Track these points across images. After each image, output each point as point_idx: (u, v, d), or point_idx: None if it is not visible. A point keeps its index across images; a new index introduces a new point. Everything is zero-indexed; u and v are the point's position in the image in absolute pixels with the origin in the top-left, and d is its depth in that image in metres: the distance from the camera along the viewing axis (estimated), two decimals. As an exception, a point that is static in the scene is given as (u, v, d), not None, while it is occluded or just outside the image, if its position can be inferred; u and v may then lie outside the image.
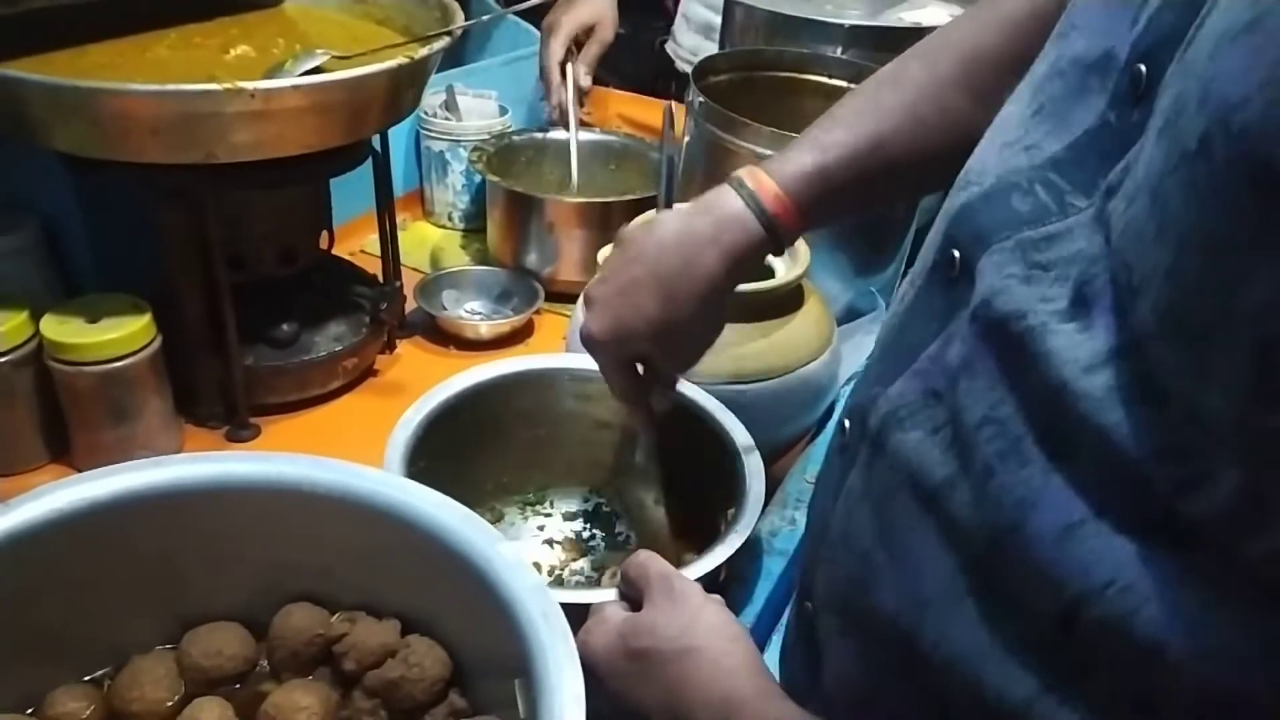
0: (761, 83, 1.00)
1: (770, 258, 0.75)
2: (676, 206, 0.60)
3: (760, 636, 0.60)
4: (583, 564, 0.71)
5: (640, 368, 0.61)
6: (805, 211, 0.54)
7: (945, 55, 0.54)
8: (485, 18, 0.98)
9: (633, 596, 0.51)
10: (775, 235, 0.55)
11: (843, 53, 1.02)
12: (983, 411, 0.34)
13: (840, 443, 0.46)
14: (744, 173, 0.55)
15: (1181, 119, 0.27)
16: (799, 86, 1.00)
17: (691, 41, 1.48)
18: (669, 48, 1.54)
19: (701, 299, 0.55)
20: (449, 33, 0.81)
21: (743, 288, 0.67)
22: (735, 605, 0.59)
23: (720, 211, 0.55)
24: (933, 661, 0.36)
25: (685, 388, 0.68)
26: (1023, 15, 0.53)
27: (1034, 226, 0.34)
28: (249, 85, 0.67)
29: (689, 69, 1.03)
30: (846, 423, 0.45)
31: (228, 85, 0.66)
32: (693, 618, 0.46)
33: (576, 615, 0.48)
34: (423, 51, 0.77)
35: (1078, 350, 0.31)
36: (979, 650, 0.34)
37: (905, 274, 0.47)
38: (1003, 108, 0.42)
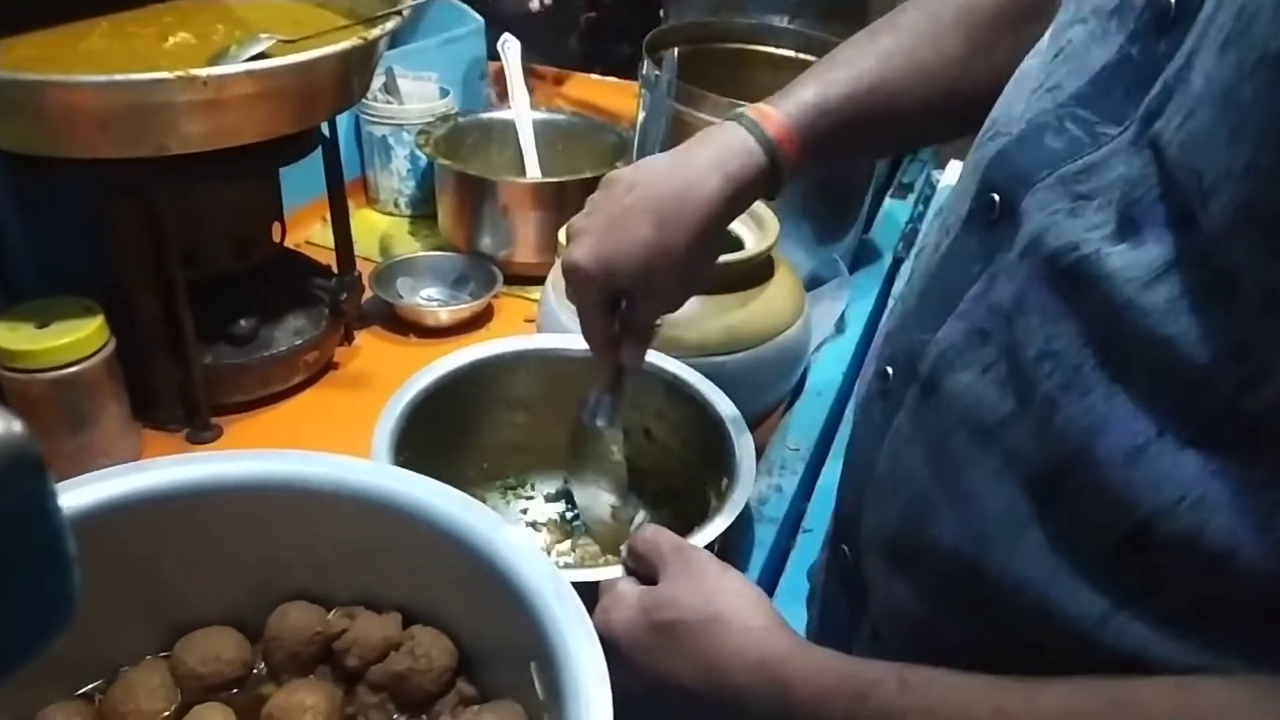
0: (713, 55, 1.00)
1: (739, 229, 0.76)
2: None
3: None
4: (565, 546, 0.71)
5: (619, 313, 0.59)
6: (806, 144, 0.54)
7: (944, 3, 0.55)
8: (429, -3, 0.95)
9: (644, 572, 0.51)
10: (776, 165, 0.54)
11: (790, 22, 1.02)
12: (1039, 346, 0.35)
13: (880, 388, 0.46)
14: (745, 108, 0.56)
15: (1255, 26, 0.28)
16: (749, 58, 1.00)
17: None
18: None
19: (700, 227, 0.53)
20: (398, 12, 0.79)
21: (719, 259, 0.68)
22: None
23: (721, 138, 0.55)
24: (1000, 590, 0.37)
25: (665, 362, 0.68)
26: None
27: (1071, 160, 0.36)
28: (201, 73, 0.64)
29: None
30: (889, 369, 0.45)
31: (180, 73, 0.63)
32: (714, 586, 0.46)
33: (586, 595, 0.48)
34: (374, 32, 0.75)
35: (1134, 268, 0.32)
36: (1046, 575, 0.35)
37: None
38: (1023, 61, 0.44)
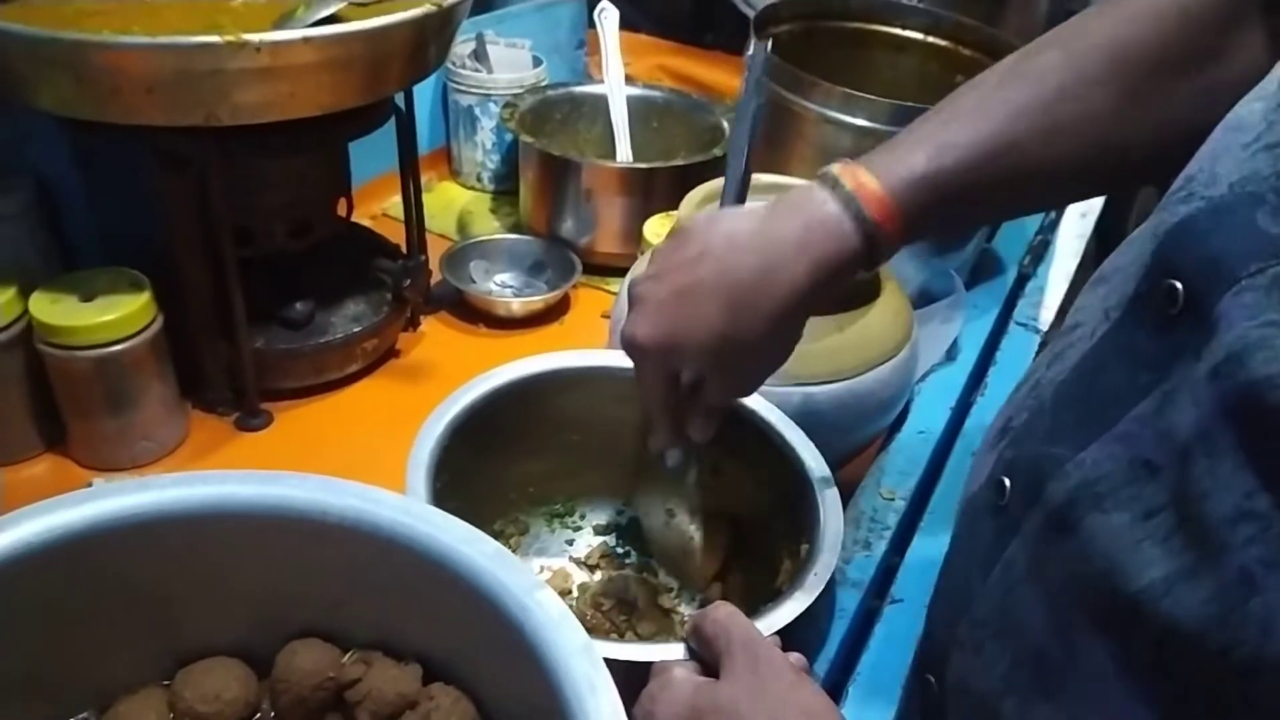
0: (827, 34, 0.90)
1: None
2: (749, 205, 0.51)
3: (832, 684, 0.53)
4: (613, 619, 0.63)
5: (683, 385, 0.52)
6: (911, 222, 0.45)
7: (1089, 47, 0.44)
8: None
9: (705, 658, 0.43)
10: (874, 247, 0.45)
11: (918, 1, 0.91)
12: (1234, 501, 0.26)
13: (993, 501, 0.37)
14: (839, 169, 0.46)
15: None
16: (870, 39, 0.90)
17: None
18: None
19: (777, 317, 0.46)
20: (482, -24, 0.72)
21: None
22: (806, 647, 0.52)
23: (810, 212, 0.46)
24: None
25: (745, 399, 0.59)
26: (1171, 10, 0.43)
27: None
28: (254, 38, 0.58)
29: (749, 11, 0.93)
30: (1006, 481, 0.37)
31: (229, 37, 0.57)
32: (782, 697, 0.39)
33: (634, 675, 0.41)
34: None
35: None
36: None
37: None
38: (1239, 105, 0.33)
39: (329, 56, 0.62)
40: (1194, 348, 0.28)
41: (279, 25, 0.67)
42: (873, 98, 0.75)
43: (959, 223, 0.49)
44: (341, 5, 0.68)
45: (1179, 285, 0.30)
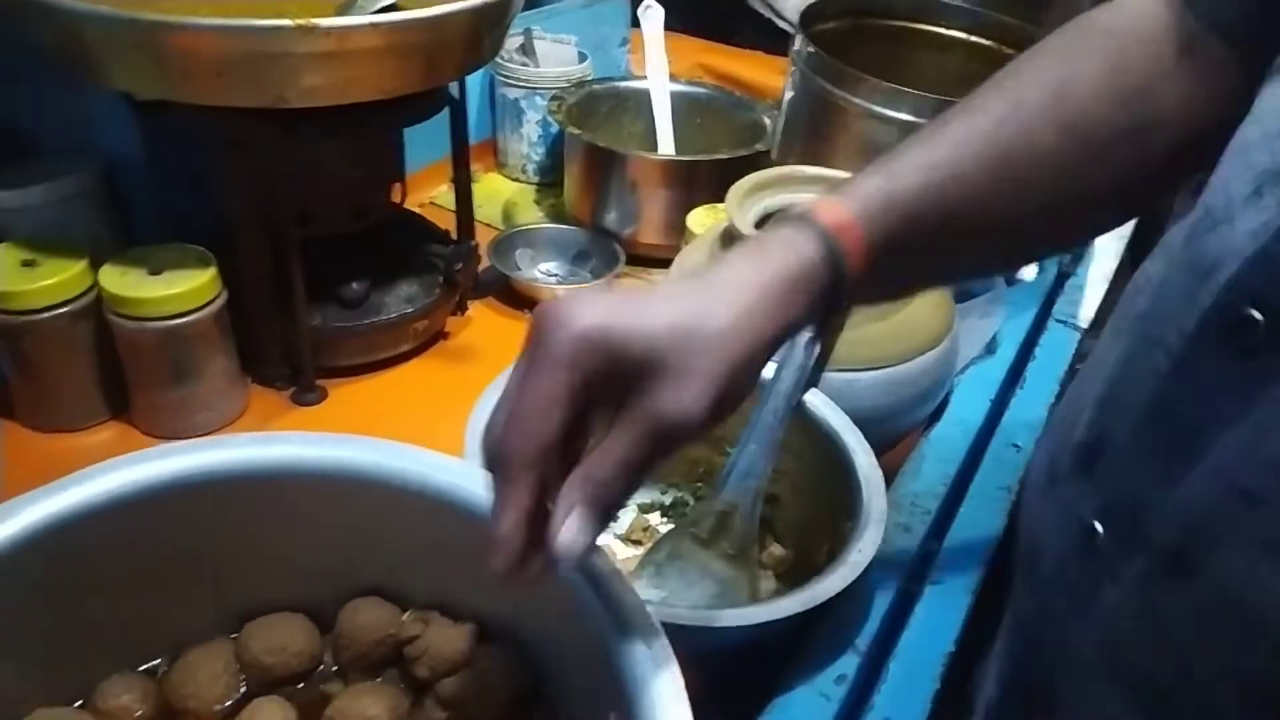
0: (872, 32, 0.91)
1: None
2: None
3: (874, 660, 0.54)
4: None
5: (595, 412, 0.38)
6: (872, 245, 0.41)
7: (1029, 82, 0.44)
8: (574, -46, 0.90)
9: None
10: (837, 266, 0.39)
11: (964, 0, 0.92)
12: None
13: (1084, 545, 0.36)
14: (791, 208, 0.42)
15: None
16: (913, 37, 0.91)
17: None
18: None
19: (740, 308, 0.37)
20: (538, -31, 0.74)
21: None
22: (848, 624, 0.53)
23: (755, 244, 0.40)
24: None
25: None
26: (1124, 39, 0.43)
27: None
28: (323, 23, 0.61)
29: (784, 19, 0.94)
30: (1098, 526, 0.36)
31: (300, 22, 0.60)
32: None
33: (686, 637, 0.42)
34: (510, -11, 0.70)
35: None
36: None
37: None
38: (1241, 128, 0.34)
39: (392, 42, 0.64)
40: (1277, 373, 0.29)
41: (341, 11, 0.69)
42: (917, 92, 0.76)
43: (919, 257, 0.44)
44: (402, -6, 0.71)
45: (1257, 315, 0.30)
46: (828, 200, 0.41)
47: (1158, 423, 0.34)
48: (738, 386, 0.36)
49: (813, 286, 0.39)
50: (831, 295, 0.40)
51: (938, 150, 0.43)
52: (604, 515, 0.35)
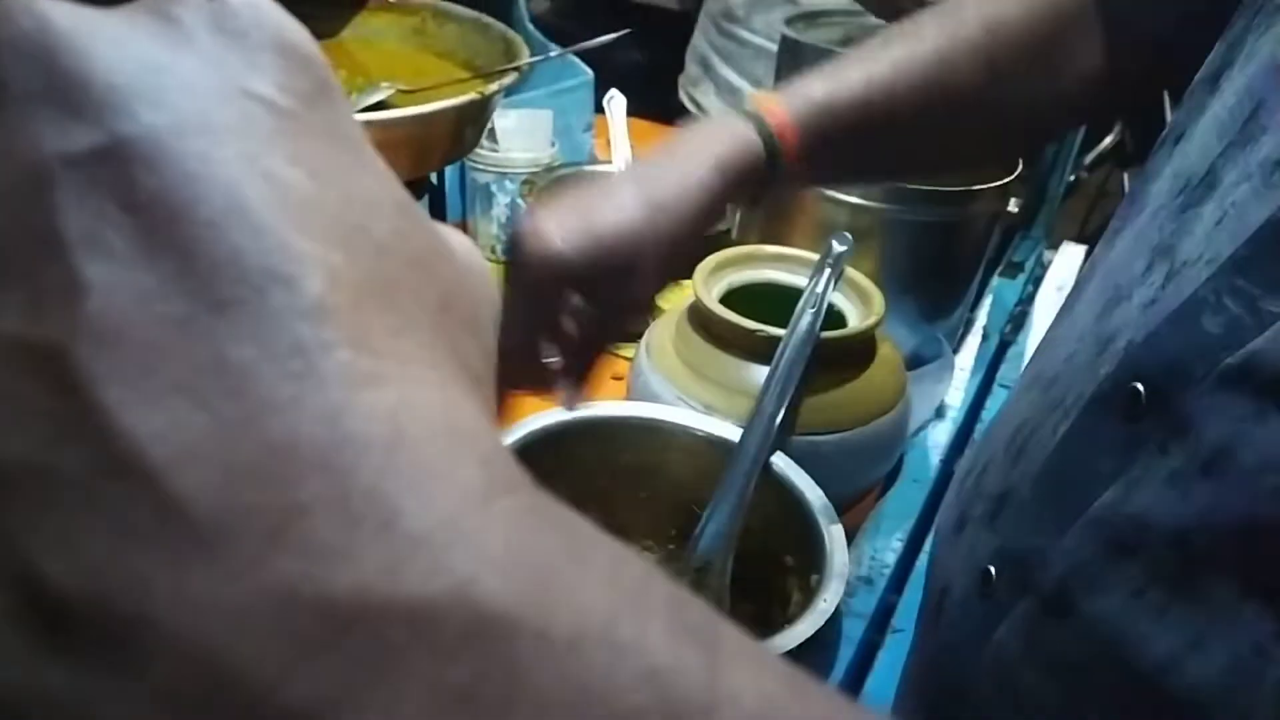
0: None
1: (841, 302, 0.73)
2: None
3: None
4: None
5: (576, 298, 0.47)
6: (806, 142, 0.50)
7: (966, 18, 0.52)
8: (552, 54, 0.96)
9: None
10: (773, 156, 0.49)
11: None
12: (1236, 586, 0.28)
13: (978, 589, 0.39)
14: (747, 96, 0.53)
15: None
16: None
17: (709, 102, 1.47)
18: (683, 93, 1.53)
19: (690, 219, 0.47)
20: (516, 69, 0.80)
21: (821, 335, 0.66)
22: (816, 671, 0.57)
23: (719, 127, 0.50)
24: None
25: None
26: (1043, 1, 0.52)
27: (1231, 351, 0.29)
28: (321, 121, 0.65)
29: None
30: (991, 570, 0.39)
31: (300, 120, 0.65)
32: None
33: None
34: (491, 87, 0.76)
35: None
36: None
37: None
38: (1133, 217, 0.39)
39: (385, 137, 0.69)
40: (1154, 439, 0.31)
41: (335, 109, 0.75)
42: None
43: (851, 159, 0.54)
44: (390, 92, 0.77)
45: (1140, 387, 0.33)
46: (772, 98, 0.51)
47: (1052, 478, 0.37)
48: (670, 272, 0.49)
49: (753, 171, 0.50)
50: (765, 184, 0.51)
51: (877, 66, 0.51)
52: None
